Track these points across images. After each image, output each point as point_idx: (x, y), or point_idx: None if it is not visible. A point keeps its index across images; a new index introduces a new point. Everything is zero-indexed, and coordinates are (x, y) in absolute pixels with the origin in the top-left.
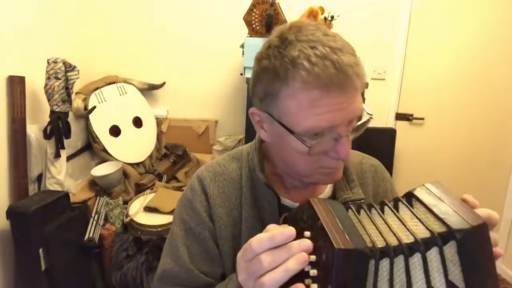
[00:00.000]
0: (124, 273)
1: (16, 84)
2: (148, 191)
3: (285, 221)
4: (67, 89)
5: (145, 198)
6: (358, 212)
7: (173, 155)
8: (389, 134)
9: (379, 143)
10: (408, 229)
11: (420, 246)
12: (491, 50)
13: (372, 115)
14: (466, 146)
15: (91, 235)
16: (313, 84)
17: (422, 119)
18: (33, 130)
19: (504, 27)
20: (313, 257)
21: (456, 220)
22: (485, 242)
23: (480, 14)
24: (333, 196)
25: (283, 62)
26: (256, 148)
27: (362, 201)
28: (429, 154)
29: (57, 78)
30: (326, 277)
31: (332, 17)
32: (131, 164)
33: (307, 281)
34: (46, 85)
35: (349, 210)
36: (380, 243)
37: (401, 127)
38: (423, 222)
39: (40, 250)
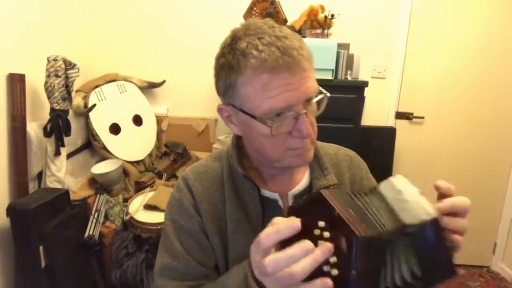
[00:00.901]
0: (124, 271)
1: (16, 82)
2: (148, 189)
3: (291, 213)
4: (67, 87)
5: (145, 196)
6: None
7: (173, 153)
8: (389, 133)
9: (379, 142)
10: (385, 221)
11: (396, 237)
12: (491, 49)
13: (327, 93)
14: (466, 144)
15: (91, 233)
16: (263, 69)
17: (422, 118)
18: (33, 128)
19: (504, 26)
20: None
21: (409, 215)
22: (436, 234)
23: (480, 13)
24: (310, 185)
25: (235, 55)
26: (233, 145)
27: (335, 186)
28: (429, 153)
29: (57, 76)
30: (347, 263)
31: (333, 15)
32: (131, 162)
33: (326, 267)
34: (46, 83)
35: (352, 199)
36: (384, 233)
37: (401, 126)
38: (388, 217)
39: (40, 248)
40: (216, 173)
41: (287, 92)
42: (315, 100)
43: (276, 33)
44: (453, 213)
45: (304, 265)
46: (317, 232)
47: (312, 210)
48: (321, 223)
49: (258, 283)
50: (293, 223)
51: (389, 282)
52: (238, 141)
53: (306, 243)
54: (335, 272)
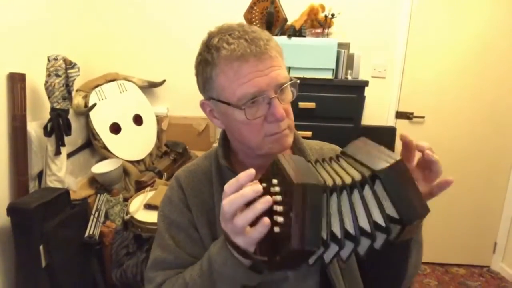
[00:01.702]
0: (124, 270)
1: (17, 81)
2: (148, 188)
3: (260, 180)
4: (68, 86)
5: (145, 196)
6: (315, 165)
7: (173, 152)
8: (389, 133)
9: (379, 142)
10: (348, 173)
11: (357, 184)
12: (492, 49)
13: (297, 80)
14: (466, 144)
15: (91, 232)
16: (233, 58)
17: (423, 117)
18: (34, 127)
19: (505, 26)
20: (279, 198)
21: (377, 163)
22: (404, 175)
23: (480, 12)
24: None
25: (209, 51)
26: (220, 143)
27: None
28: None
29: (58, 75)
30: (289, 209)
31: (333, 15)
32: (132, 162)
33: (275, 217)
34: (46, 82)
35: (308, 163)
36: (330, 182)
37: (402, 126)
38: (356, 169)
39: (41, 247)
40: (206, 170)
41: (257, 78)
42: (285, 85)
43: (245, 29)
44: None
45: (245, 215)
46: (272, 189)
47: (271, 172)
48: (274, 181)
49: (227, 239)
50: (249, 171)
51: (347, 229)
52: (225, 139)
53: (257, 187)
54: (280, 219)
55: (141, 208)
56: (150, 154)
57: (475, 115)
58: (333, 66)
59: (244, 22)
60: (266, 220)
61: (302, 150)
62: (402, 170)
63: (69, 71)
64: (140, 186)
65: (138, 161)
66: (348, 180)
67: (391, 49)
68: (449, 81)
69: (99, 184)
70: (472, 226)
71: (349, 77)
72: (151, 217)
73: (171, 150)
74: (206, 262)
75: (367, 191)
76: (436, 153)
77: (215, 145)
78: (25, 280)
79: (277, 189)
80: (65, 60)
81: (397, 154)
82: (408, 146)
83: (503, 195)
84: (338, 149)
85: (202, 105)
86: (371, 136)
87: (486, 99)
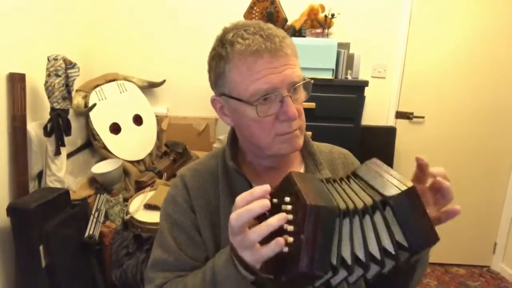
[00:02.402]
0: (124, 270)
1: (17, 81)
2: (148, 188)
3: (270, 195)
4: (68, 86)
5: (145, 196)
6: (327, 184)
7: (173, 152)
8: (389, 133)
9: (379, 142)
10: (359, 197)
11: (369, 210)
12: (492, 49)
13: (311, 80)
14: (466, 144)
15: (91, 232)
16: (247, 53)
17: (423, 117)
18: (33, 128)
19: (505, 26)
20: (290, 217)
21: (388, 189)
22: (415, 202)
23: (480, 13)
24: None
25: (223, 45)
26: (228, 142)
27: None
28: (429, 152)
29: (58, 76)
30: (300, 230)
31: (333, 15)
32: (131, 162)
33: (285, 236)
34: (46, 82)
35: (321, 182)
36: (342, 206)
37: (402, 126)
38: (367, 193)
39: (41, 247)
40: (212, 170)
41: (271, 75)
42: (299, 84)
43: (261, 26)
44: (446, 178)
45: (259, 230)
46: (284, 207)
47: (284, 189)
48: (287, 199)
49: (233, 252)
50: (264, 186)
51: (357, 254)
52: (233, 138)
53: (265, 202)
54: (290, 239)
55: (141, 208)
56: (150, 154)
57: (475, 115)
58: (333, 66)
59: (260, 22)
60: (280, 240)
61: (312, 153)
62: (413, 198)
63: (69, 71)
64: (140, 186)
65: (138, 161)
66: (359, 205)
67: (391, 49)
68: (449, 81)
69: (99, 184)
70: (472, 226)
71: (349, 77)
72: (151, 217)
73: (171, 150)
74: (210, 272)
75: (377, 216)
76: (436, 153)
77: (215, 145)
78: (25, 280)
79: (288, 207)
80: (65, 60)
81: (409, 180)
82: (422, 168)
83: (503, 195)
84: (346, 152)
85: (213, 101)
86: (371, 136)
87: (486, 99)
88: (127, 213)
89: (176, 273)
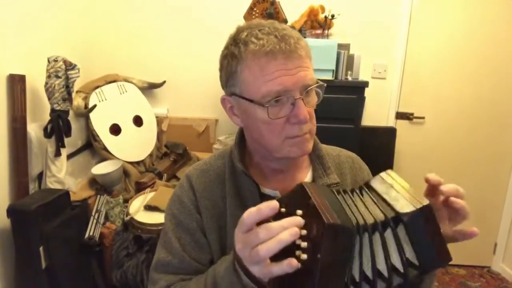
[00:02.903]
0: (124, 271)
1: (17, 83)
2: (149, 189)
3: (279, 204)
4: (68, 87)
5: (146, 197)
6: (337, 196)
7: (174, 154)
8: (389, 133)
9: (379, 142)
10: (370, 212)
11: (379, 226)
12: (492, 49)
13: (324, 84)
14: (467, 145)
15: (91, 234)
16: (261, 53)
17: (423, 118)
18: (34, 129)
19: (505, 26)
20: (304, 232)
21: (402, 205)
22: (430, 221)
23: (480, 13)
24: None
25: (236, 44)
26: (236, 143)
27: (338, 184)
28: (430, 153)
29: (58, 77)
30: (315, 248)
31: (333, 16)
32: (132, 163)
33: (298, 252)
34: (46, 83)
35: (333, 194)
36: (354, 222)
37: (402, 126)
38: (380, 207)
39: (41, 249)
40: (219, 171)
41: (284, 76)
42: (310, 87)
43: (276, 26)
44: (456, 196)
45: (270, 245)
46: None
47: (294, 200)
48: (299, 212)
49: (238, 262)
50: (272, 204)
51: (364, 271)
52: (241, 139)
53: (283, 221)
54: (304, 256)
55: (141, 209)
56: (150, 155)
57: (476, 116)
58: (333, 67)
59: (271, 20)
60: (293, 262)
61: (321, 156)
62: (428, 216)
63: (69, 72)
64: (140, 187)
65: (138, 162)
66: (370, 221)
67: (391, 49)
68: (449, 82)
69: (99, 185)
70: (472, 227)
71: (349, 78)
72: (151, 218)
73: (171, 151)
74: (211, 278)
75: (388, 233)
76: (436, 153)
77: (216, 146)
78: (25, 281)
79: (302, 222)
80: (65, 62)
81: (423, 197)
82: (433, 186)
83: (504, 195)
84: (354, 156)
85: (223, 100)
86: (371, 136)
87: (486, 99)
88: (127, 214)
89: (180, 276)
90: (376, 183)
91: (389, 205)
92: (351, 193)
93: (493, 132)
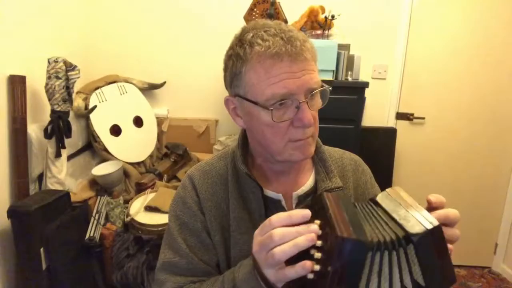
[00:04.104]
0: (125, 272)
1: (17, 84)
2: (149, 190)
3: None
4: (68, 88)
5: (146, 198)
6: (355, 207)
7: (174, 154)
8: (389, 134)
9: (379, 143)
10: (385, 229)
11: (395, 244)
12: (492, 50)
13: (329, 87)
14: (467, 145)
15: (92, 235)
16: (266, 55)
17: (423, 118)
18: (34, 130)
19: (505, 26)
20: (319, 242)
21: (412, 224)
22: (439, 242)
23: (480, 13)
24: (315, 187)
25: (242, 45)
26: (239, 145)
27: (341, 189)
28: (430, 153)
29: (58, 78)
30: (328, 260)
31: (333, 16)
32: (132, 164)
33: (312, 262)
34: (46, 84)
35: (357, 207)
36: (375, 239)
37: (402, 127)
38: (390, 226)
39: (41, 250)
40: (221, 172)
41: (289, 79)
42: (315, 91)
43: (282, 27)
44: (444, 224)
45: (285, 247)
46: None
47: (313, 209)
48: (317, 221)
49: (255, 265)
50: (305, 212)
51: None
52: (244, 140)
53: (301, 228)
54: (317, 267)
55: (141, 210)
56: (151, 156)
57: (476, 116)
58: (333, 68)
59: (276, 21)
60: (307, 263)
61: (324, 159)
62: (437, 238)
63: (69, 73)
64: (140, 188)
65: (138, 163)
66: (388, 238)
67: (391, 50)
68: (449, 82)
69: (99, 186)
70: (473, 227)
71: (350, 79)
72: (151, 219)
73: (171, 152)
74: (230, 284)
75: (401, 252)
76: (436, 154)
77: (216, 146)
78: (25, 282)
79: (318, 232)
80: (65, 62)
81: (432, 216)
82: (435, 208)
83: (504, 195)
84: (358, 159)
85: (226, 101)
86: (372, 137)
87: (486, 100)
88: (128, 215)
89: (189, 278)
90: (383, 200)
91: (398, 224)
92: (368, 207)
93: (493, 132)
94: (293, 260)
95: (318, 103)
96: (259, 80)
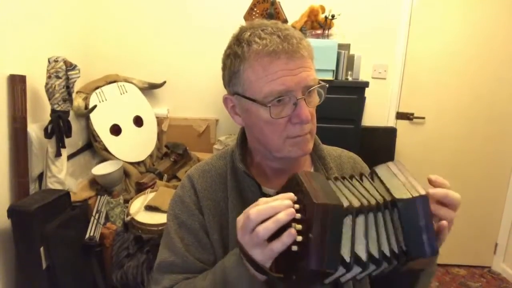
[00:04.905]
0: (125, 272)
1: (17, 83)
2: (149, 190)
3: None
4: (68, 88)
5: (146, 197)
6: (335, 182)
7: (174, 154)
8: (389, 133)
9: (379, 142)
10: (371, 195)
11: (381, 207)
12: (492, 50)
13: (326, 84)
14: (467, 145)
15: (92, 234)
16: (264, 53)
17: (423, 118)
18: (34, 129)
19: (505, 26)
20: (298, 215)
21: (401, 192)
22: (424, 212)
23: (480, 13)
24: None
25: (239, 44)
26: (238, 143)
27: None
28: (430, 153)
29: (58, 77)
30: (308, 229)
31: (333, 16)
32: (132, 163)
33: (295, 230)
34: (47, 84)
35: (329, 180)
36: (356, 203)
37: (402, 126)
38: (379, 191)
39: (41, 249)
40: (221, 171)
41: (286, 77)
42: (312, 88)
43: (278, 26)
44: (444, 203)
45: (267, 224)
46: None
47: (290, 189)
48: (294, 197)
49: (241, 250)
50: (289, 195)
51: (366, 252)
52: (242, 139)
53: (291, 211)
54: (299, 238)
55: (141, 210)
56: (151, 156)
57: (476, 116)
58: (334, 67)
59: (273, 20)
60: (292, 230)
61: (322, 157)
62: (422, 206)
63: (69, 72)
64: (140, 188)
65: (138, 163)
66: (372, 202)
67: (391, 49)
68: (449, 82)
69: (99, 185)
70: (473, 227)
71: (350, 78)
72: (151, 218)
73: (171, 151)
74: (220, 274)
75: (387, 216)
76: (436, 153)
77: (216, 146)
78: (25, 281)
79: (296, 206)
80: (65, 62)
81: (423, 189)
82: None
83: (504, 195)
84: (356, 157)
85: (225, 100)
86: (372, 136)
87: (486, 99)
88: (128, 214)
89: (184, 275)
90: (381, 171)
91: (388, 190)
92: (350, 179)
93: (493, 132)
94: (275, 236)
95: (315, 100)
96: (257, 78)
